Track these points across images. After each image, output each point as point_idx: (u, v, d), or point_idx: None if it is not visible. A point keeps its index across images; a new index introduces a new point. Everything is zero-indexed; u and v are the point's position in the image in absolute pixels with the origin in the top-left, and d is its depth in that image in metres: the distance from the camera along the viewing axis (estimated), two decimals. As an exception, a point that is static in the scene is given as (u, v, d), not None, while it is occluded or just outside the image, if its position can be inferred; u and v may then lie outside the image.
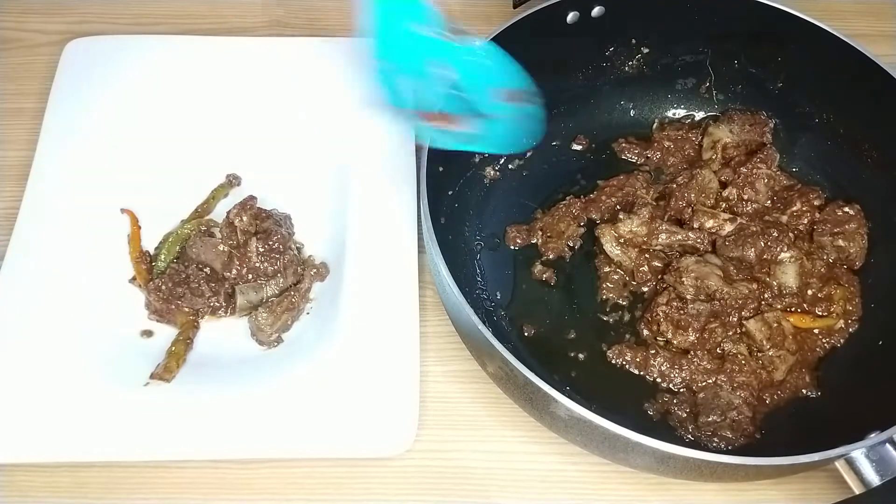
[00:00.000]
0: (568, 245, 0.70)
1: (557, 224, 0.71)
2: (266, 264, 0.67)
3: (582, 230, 0.71)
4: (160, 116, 0.73)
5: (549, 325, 0.67)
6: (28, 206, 0.68)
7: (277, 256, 0.67)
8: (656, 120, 0.78)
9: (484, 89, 0.57)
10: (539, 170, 0.74)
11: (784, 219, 0.70)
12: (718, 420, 0.61)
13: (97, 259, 0.67)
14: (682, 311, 0.64)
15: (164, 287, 0.65)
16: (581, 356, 0.66)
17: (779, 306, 0.66)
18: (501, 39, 0.64)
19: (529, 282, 0.69)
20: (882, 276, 0.68)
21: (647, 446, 0.50)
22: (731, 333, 0.65)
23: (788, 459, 0.50)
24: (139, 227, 0.69)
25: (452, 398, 0.65)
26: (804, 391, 0.63)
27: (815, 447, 0.51)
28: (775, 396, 0.63)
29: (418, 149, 0.68)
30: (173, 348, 0.63)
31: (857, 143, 0.70)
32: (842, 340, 0.66)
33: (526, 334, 0.66)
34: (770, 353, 0.64)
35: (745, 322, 0.65)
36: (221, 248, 0.68)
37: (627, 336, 0.67)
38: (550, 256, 0.70)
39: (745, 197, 0.71)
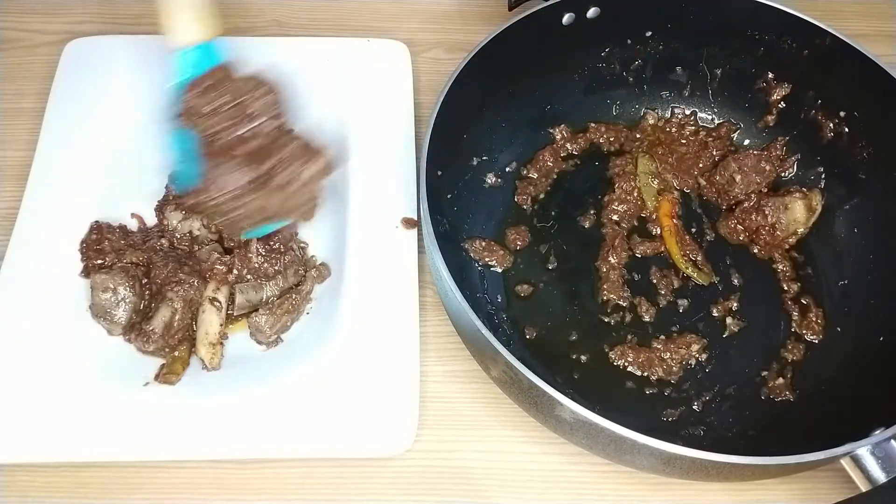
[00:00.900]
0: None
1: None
2: (266, 265, 0.67)
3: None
4: (160, 116, 0.73)
5: (550, 327, 0.67)
6: (28, 206, 0.68)
7: (278, 257, 0.67)
8: (651, 118, 0.78)
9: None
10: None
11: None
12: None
13: (97, 259, 0.67)
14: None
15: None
16: (583, 358, 0.66)
17: None
18: (498, 41, 0.64)
19: (530, 283, 0.69)
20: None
21: (654, 448, 0.50)
22: None
23: (795, 458, 0.50)
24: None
25: (452, 398, 0.65)
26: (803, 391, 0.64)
27: (820, 446, 0.51)
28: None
29: (418, 150, 0.68)
30: (177, 353, 0.64)
31: (856, 143, 0.70)
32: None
33: (528, 337, 0.66)
34: None
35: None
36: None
37: (629, 337, 0.67)
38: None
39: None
